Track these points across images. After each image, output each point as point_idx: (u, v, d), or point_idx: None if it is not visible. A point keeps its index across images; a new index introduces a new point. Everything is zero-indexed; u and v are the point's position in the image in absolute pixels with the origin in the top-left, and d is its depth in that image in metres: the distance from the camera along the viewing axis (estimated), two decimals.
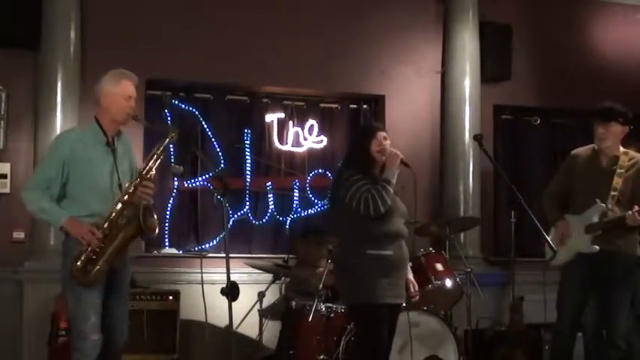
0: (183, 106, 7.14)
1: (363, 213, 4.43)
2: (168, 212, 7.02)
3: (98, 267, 4.27)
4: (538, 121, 8.21)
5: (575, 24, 8.20)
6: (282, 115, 7.45)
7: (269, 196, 7.34)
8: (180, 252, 7.07)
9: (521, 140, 8.23)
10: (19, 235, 6.59)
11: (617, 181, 5.21)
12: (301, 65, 7.28)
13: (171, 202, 7.05)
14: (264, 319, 6.11)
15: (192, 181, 7.11)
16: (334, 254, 5.09)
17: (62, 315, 5.92)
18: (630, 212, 5.06)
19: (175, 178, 6.96)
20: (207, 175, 7.09)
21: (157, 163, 4.42)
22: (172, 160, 6.88)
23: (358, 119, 7.66)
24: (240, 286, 4.34)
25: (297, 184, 7.41)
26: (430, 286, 5.81)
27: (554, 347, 5.50)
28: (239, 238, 7.17)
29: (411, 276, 4.76)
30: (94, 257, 4.25)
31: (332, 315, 5.62)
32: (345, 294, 4.71)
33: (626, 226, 5.12)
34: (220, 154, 7.16)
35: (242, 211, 7.25)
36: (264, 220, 7.33)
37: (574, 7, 8.19)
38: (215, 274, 4.93)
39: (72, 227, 4.29)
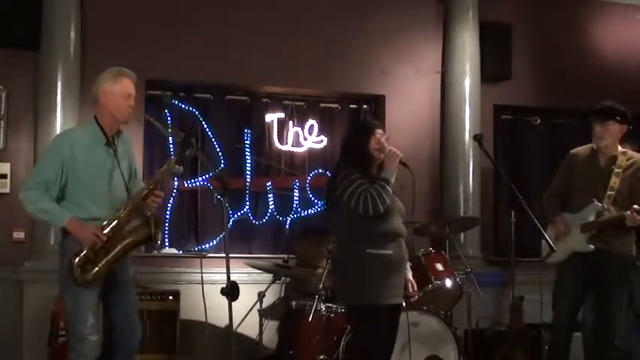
0: (183, 106, 7.14)
1: (362, 213, 4.39)
2: (168, 212, 7.02)
3: (97, 268, 4.24)
4: (538, 121, 8.21)
5: (575, 24, 8.20)
6: (282, 115, 7.45)
7: (269, 196, 7.33)
8: (180, 252, 7.07)
9: (521, 140, 8.23)
10: (19, 235, 6.59)
11: (615, 181, 5.22)
12: (301, 65, 7.28)
13: (171, 202, 7.05)
14: (264, 319, 6.11)
15: (192, 181, 7.11)
16: (334, 254, 5.08)
17: (62, 315, 5.91)
18: (629, 212, 5.06)
19: (175, 178, 6.96)
20: (207, 175, 7.09)
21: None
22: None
23: (358, 119, 7.66)
24: (240, 286, 4.33)
25: (297, 184, 7.41)
26: (430, 286, 5.82)
27: (551, 345, 5.52)
28: (239, 238, 7.17)
29: (410, 275, 4.74)
30: (92, 258, 4.23)
31: (332, 315, 5.63)
32: (344, 295, 4.67)
33: (623, 226, 5.13)
34: (220, 154, 7.17)
35: (242, 211, 7.25)
36: (264, 220, 7.33)
37: (574, 7, 8.19)
38: (215, 274, 4.93)
39: (75, 228, 4.26)
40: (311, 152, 7.51)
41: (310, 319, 5.59)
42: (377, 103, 7.67)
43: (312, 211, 7.39)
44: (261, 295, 6.05)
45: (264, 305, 6.12)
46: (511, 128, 8.20)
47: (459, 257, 6.61)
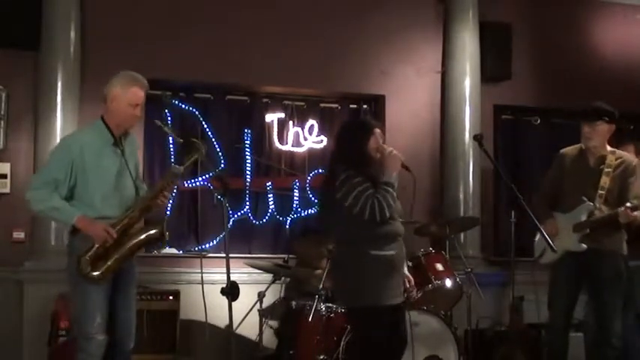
0: (183, 106, 7.14)
1: (368, 219, 4.34)
2: (168, 212, 7.02)
3: (108, 264, 4.29)
4: (538, 121, 8.21)
5: (575, 24, 8.20)
6: (282, 115, 7.45)
7: (269, 196, 7.33)
8: (181, 252, 7.07)
9: (521, 140, 8.23)
10: (19, 235, 6.59)
11: (605, 180, 5.24)
12: (301, 65, 7.28)
13: (171, 202, 7.04)
14: (264, 319, 6.10)
15: (193, 181, 7.11)
16: (333, 255, 5.06)
17: (62, 315, 5.93)
18: (622, 208, 5.08)
19: None
20: (207, 175, 7.08)
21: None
22: (172, 161, 6.89)
23: (354, 118, 7.65)
24: (240, 286, 4.34)
25: (297, 184, 7.40)
26: (430, 286, 5.82)
27: (549, 345, 5.53)
28: (239, 238, 7.17)
29: (405, 270, 4.68)
30: (103, 254, 4.27)
31: (332, 315, 5.62)
32: (345, 295, 4.64)
33: (615, 224, 5.15)
34: (220, 154, 7.17)
35: (242, 211, 7.25)
36: (264, 220, 7.33)
37: (574, 7, 8.19)
38: (215, 274, 4.94)
39: (85, 225, 4.29)
40: (311, 152, 7.51)
41: (310, 319, 5.58)
42: (377, 103, 7.67)
43: (312, 211, 7.39)
44: (261, 295, 6.05)
45: (264, 305, 6.12)
46: (511, 128, 8.20)
47: (459, 257, 6.60)
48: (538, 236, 5.52)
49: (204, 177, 7.11)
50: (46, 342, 6.07)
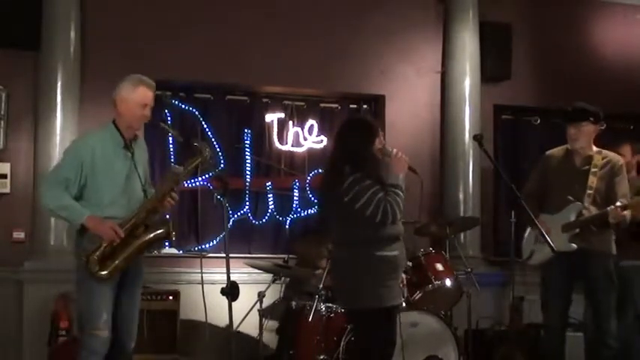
0: (183, 106, 7.14)
1: (380, 221, 4.33)
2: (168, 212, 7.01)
3: (116, 263, 4.33)
4: (538, 121, 8.21)
5: (575, 24, 8.20)
6: (282, 115, 7.45)
7: (269, 196, 7.34)
8: (181, 252, 7.06)
9: (521, 140, 8.22)
10: (19, 235, 6.59)
11: (593, 180, 5.25)
12: (301, 65, 7.28)
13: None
14: (264, 319, 6.10)
15: (192, 181, 7.11)
16: (333, 255, 5.04)
17: (62, 315, 5.94)
18: (613, 207, 5.08)
19: None
20: (207, 175, 7.08)
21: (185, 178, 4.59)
22: (172, 161, 6.89)
23: (354, 118, 7.64)
24: (240, 286, 4.34)
25: (297, 184, 7.41)
26: (430, 286, 5.82)
27: (545, 345, 5.53)
28: (239, 238, 7.17)
29: None
30: (110, 253, 4.31)
31: (332, 315, 5.62)
32: (345, 296, 4.62)
33: (605, 223, 5.15)
34: (220, 154, 7.16)
35: (242, 211, 7.25)
36: (264, 220, 7.33)
37: (574, 7, 8.19)
38: (215, 274, 4.94)
39: (94, 224, 4.32)
40: (311, 152, 7.51)
41: (310, 319, 5.58)
42: (377, 103, 7.67)
43: (312, 211, 7.39)
44: (261, 295, 6.04)
45: (264, 305, 6.12)
46: (511, 128, 8.20)
47: (459, 257, 6.60)
48: (525, 237, 5.53)
49: (204, 177, 7.11)
50: (46, 342, 6.07)
